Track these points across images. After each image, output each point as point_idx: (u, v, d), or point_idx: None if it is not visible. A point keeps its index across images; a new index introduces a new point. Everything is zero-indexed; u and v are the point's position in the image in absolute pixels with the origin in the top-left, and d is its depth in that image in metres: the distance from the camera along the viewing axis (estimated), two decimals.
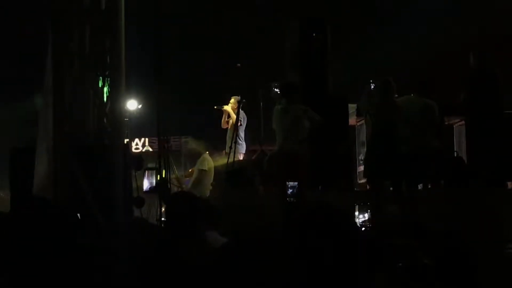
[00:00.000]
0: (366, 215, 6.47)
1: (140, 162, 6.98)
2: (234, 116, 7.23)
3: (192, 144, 7.35)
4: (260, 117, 7.65)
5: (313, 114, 6.52)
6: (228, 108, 7.43)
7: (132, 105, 7.91)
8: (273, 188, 6.68)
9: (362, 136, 7.61)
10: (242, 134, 7.37)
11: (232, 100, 7.53)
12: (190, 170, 7.45)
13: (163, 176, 6.53)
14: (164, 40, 6.77)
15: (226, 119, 7.68)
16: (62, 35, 6.34)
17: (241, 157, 7.28)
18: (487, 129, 6.94)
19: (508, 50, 8.03)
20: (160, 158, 6.45)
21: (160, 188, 6.69)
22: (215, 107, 7.61)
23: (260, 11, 8.84)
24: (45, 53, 6.28)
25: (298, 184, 6.22)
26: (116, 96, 6.46)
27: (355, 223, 5.79)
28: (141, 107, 8.30)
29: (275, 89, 7.09)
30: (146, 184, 7.14)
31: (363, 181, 7.23)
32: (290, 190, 6.25)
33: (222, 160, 7.01)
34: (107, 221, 5.83)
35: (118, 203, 5.98)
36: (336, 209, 1.88)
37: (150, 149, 8.89)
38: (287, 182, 6.20)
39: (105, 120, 6.60)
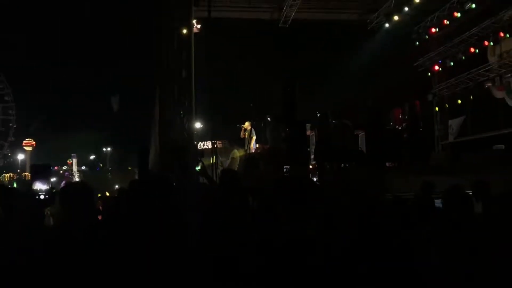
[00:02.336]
0: (314, 179, 11.99)
1: (202, 153, 12.73)
2: (248, 130, 13.03)
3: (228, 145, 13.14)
4: (262, 131, 13.45)
5: (285, 131, 11.61)
6: (246, 126, 13.20)
7: (198, 125, 13.69)
8: (269, 167, 12.04)
9: (312, 140, 12.96)
10: (254, 142, 13.05)
11: (246, 123, 13.23)
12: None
13: (213, 161, 12.27)
14: (214, 92, 12.57)
15: (243, 133, 13.35)
16: (164, 91, 11.86)
17: (253, 151, 12.95)
18: (375, 136, 12.11)
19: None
20: (212, 152, 12.23)
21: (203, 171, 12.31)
22: (238, 125, 13.38)
23: (265, 78, 14.99)
24: (153, 99, 11.85)
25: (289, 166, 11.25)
26: (189, 121, 12.03)
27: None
28: (202, 126, 14.11)
29: (268, 118, 12.71)
30: None
31: (313, 162, 12.44)
32: (285, 169, 11.13)
33: (242, 153, 12.75)
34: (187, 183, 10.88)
35: (192, 173, 11.25)
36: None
37: (207, 147, 14.57)
38: (282, 166, 11.07)
39: (184, 133, 12.12)
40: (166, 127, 11.48)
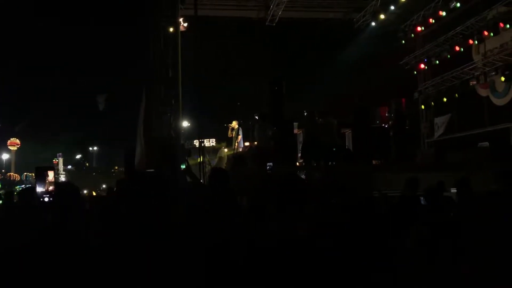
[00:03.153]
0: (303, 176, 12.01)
1: (189, 151, 12.74)
2: (235, 130, 13.11)
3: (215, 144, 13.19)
4: (250, 130, 13.52)
5: (272, 129, 11.80)
6: (234, 125, 13.29)
7: (185, 124, 13.71)
8: (256, 165, 12.00)
9: (300, 138, 13.04)
10: (241, 140, 13.13)
11: (234, 122, 13.28)
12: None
13: (201, 159, 12.29)
14: (201, 92, 12.58)
15: (231, 132, 13.40)
16: (150, 90, 11.83)
17: (240, 150, 13.01)
18: (361, 134, 12.29)
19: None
20: (199, 150, 12.23)
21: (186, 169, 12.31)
22: (225, 124, 13.43)
23: (252, 77, 15.07)
24: (140, 98, 11.80)
25: (272, 164, 11.39)
26: (176, 120, 12.02)
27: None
28: (189, 125, 14.13)
29: (256, 116, 12.75)
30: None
31: (301, 160, 12.45)
32: (268, 167, 10.91)
33: (230, 151, 12.80)
34: (173, 180, 10.84)
35: (179, 171, 11.25)
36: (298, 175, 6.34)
37: (195, 146, 14.63)
38: (266, 163, 10.84)
39: (171, 132, 12.09)
40: (153, 126, 11.36)
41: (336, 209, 3.99)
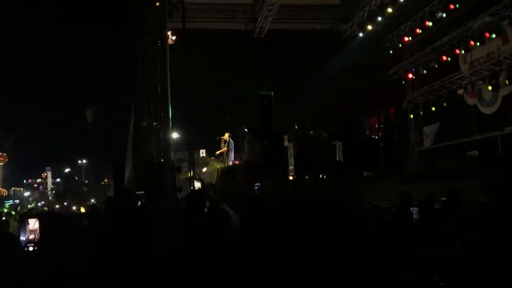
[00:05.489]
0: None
1: (179, 169, 12.55)
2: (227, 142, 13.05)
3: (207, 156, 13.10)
4: (240, 142, 13.49)
5: (261, 145, 11.62)
6: (226, 137, 13.22)
7: (175, 135, 13.57)
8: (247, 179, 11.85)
9: (290, 151, 13.07)
10: (232, 152, 13.09)
11: (226, 134, 13.22)
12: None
13: (191, 173, 12.13)
14: (192, 103, 12.51)
15: (223, 144, 13.32)
16: (140, 106, 11.61)
17: (231, 163, 12.94)
18: (351, 146, 12.11)
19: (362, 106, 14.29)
20: (190, 163, 12.08)
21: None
22: (217, 137, 13.35)
23: (241, 88, 15.07)
24: (129, 113, 11.62)
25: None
26: (165, 134, 11.74)
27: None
28: (179, 136, 14.00)
29: (245, 129, 12.70)
30: None
31: (292, 173, 12.53)
32: (256, 187, 10.55)
33: (221, 164, 12.71)
34: (163, 199, 10.56)
35: (169, 190, 11.00)
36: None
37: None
38: (254, 184, 10.41)
39: (161, 149, 11.76)
40: (142, 142, 11.16)
41: (328, 225, 3.95)
